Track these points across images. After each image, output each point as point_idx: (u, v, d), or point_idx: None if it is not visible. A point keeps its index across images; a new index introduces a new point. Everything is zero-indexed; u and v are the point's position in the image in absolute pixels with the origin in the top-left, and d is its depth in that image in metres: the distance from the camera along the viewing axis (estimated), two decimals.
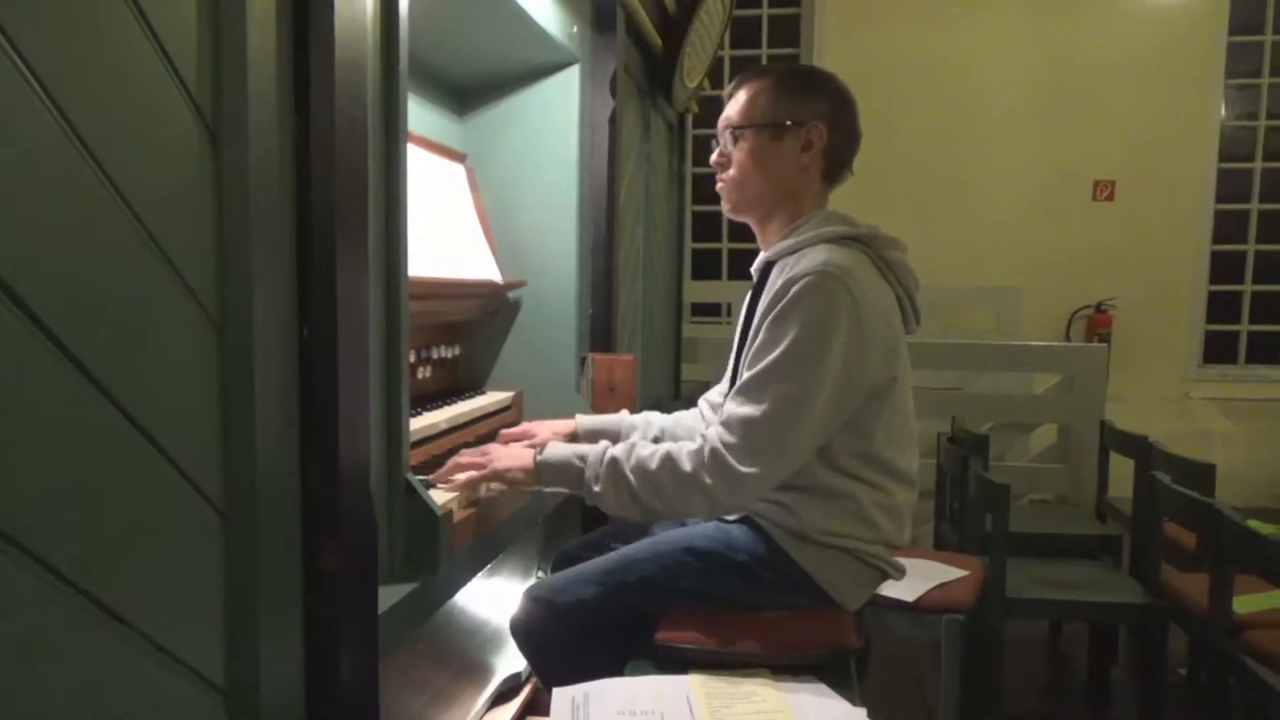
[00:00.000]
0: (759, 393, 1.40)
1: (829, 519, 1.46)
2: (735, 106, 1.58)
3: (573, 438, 1.80)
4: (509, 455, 1.55)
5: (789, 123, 1.53)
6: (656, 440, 1.79)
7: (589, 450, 1.49)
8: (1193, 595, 2.25)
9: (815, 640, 1.46)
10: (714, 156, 1.61)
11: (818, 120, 1.53)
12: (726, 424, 1.42)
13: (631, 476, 1.44)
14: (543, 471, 1.51)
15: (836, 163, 1.57)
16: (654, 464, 1.43)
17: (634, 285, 2.86)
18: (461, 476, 1.53)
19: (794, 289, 1.40)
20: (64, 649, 0.71)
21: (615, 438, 1.78)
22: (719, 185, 1.61)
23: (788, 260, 1.49)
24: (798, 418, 1.38)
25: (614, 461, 1.46)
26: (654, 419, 1.85)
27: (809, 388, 1.38)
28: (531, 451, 1.54)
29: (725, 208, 1.62)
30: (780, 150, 1.54)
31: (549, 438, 1.74)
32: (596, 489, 1.46)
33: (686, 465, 1.41)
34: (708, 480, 1.40)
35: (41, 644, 0.69)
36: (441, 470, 1.56)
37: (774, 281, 1.46)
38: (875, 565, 1.51)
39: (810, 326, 1.38)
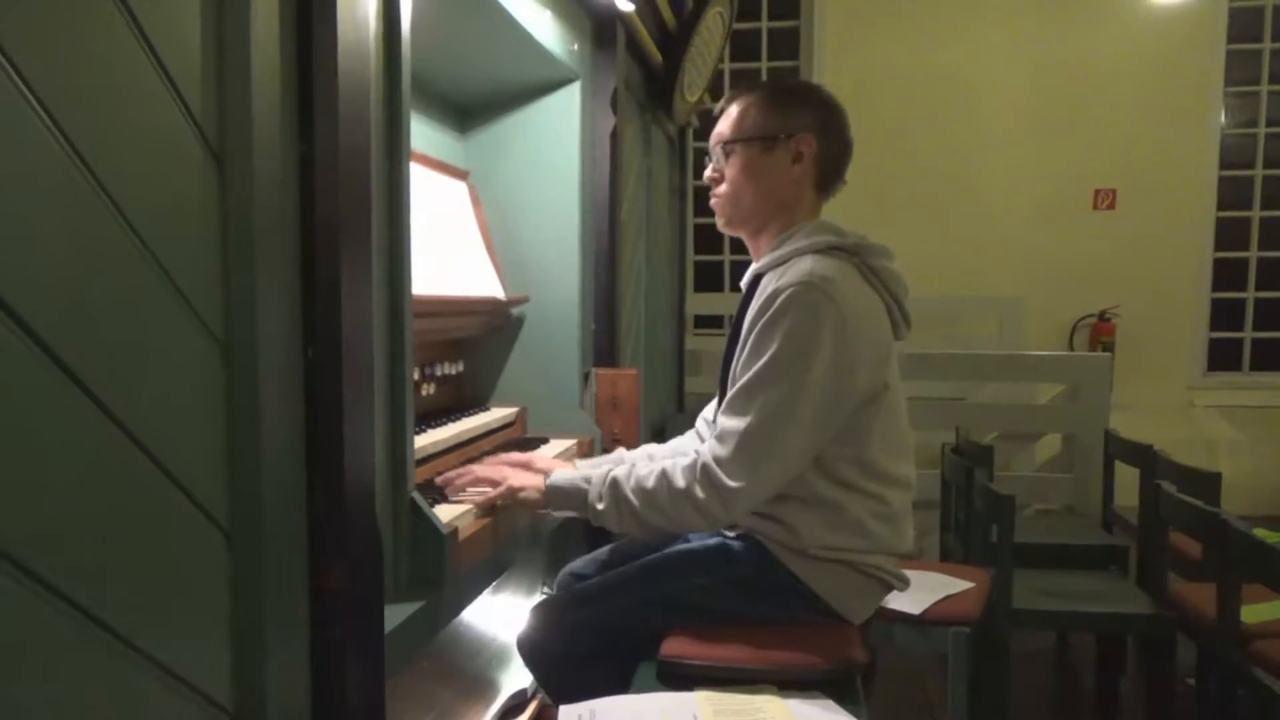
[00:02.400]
0: (746, 404, 1.41)
1: (827, 532, 1.46)
2: (726, 122, 1.59)
3: None
4: (521, 475, 1.57)
5: (779, 135, 1.54)
6: None
7: (593, 473, 1.52)
8: (1200, 605, 2.24)
9: (821, 656, 1.45)
10: (707, 172, 1.62)
11: (807, 131, 1.54)
12: (719, 437, 1.43)
13: (631, 495, 1.45)
14: (551, 495, 1.52)
15: (828, 172, 1.58)
16: (651, 481, 1.45)
17: (636, 299, 2.87)
18: (479, 496, 1.54)
19: (778, 300, 1.41)
20: (69, 671, 0.71)
21: None
22: (713, 201, 1.63)
23: (775, 272, 1.50)
24: (785, 427, 1.39)
25: (615, 482, 1.48)
26: (654, 452, 1.84)
27: (795, 397, 1.38)
28: (542, 475, 1.56)
29: (720, 222, 1.63)
30: (771, 163, 1.55)
31: (549, 465, 1.75)
32: (600, 507, 1.48)
33: (680, 481, 1.42)
34: (700, 494, 1.41)
35: (46, 666, 0.69)
36: (460, 480, 1.57)
37: (761, 293, 1.47)
38: (876, 576, 1.51)
39: (794, 337, 1.39)
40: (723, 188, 1.60)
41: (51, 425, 0.69)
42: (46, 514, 0.68)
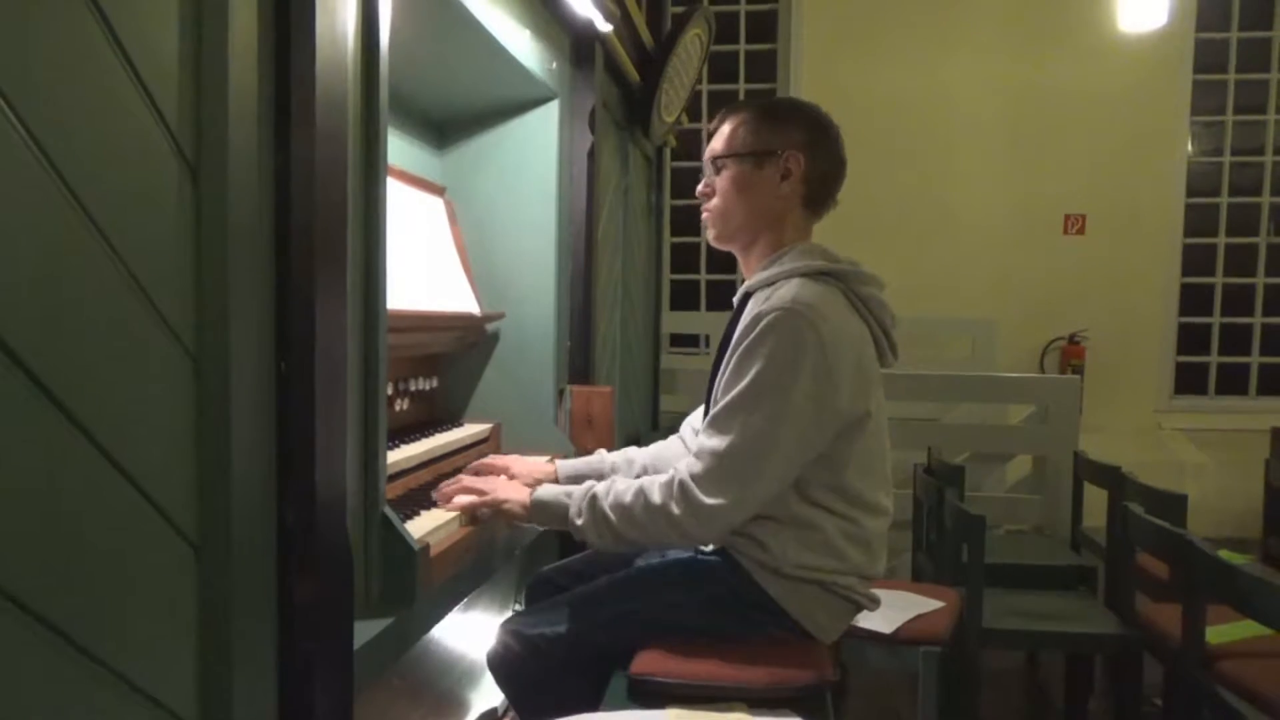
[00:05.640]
0: (726, 424, 1.42)
1: (800, 551, 1.47)
2: (719, 139, 1.62)
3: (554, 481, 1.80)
4: (508, 488, 1.57)
5: (768, 151, 1.56)
6: (639, 476, 1.79)
7: (575, 488, 1.52)
8: (1166, 625, 2.27)
9: (792, 674, 1.46)
10: (700, 187, 1.64)
11: (794, 149, 1.55)
12: (698, 454, 1.44)
13: (609, 511, 1.45)
14: (535, 510, 1.53)
15: (818, 191, 1.59)
16: (628, 497, 1.45)
17: (612, 317, 2.87)
18: (463, 500, 1.55)
19: (762, 323, 1.42)
20: (29, 684, 0.70)
21: (598, 479, 1.78)
22: (704, 215, 1.64)
23: (763, 293, 1.51)
24: (763, 450, 1.40)
25: (594, 497, 1.48)
26: (634, 455, 1.85)
27: (774, 421, 1.39)
28: (528, 489, 1.56)
29: (710, 235, 1.65)
30: (761, 179, 1.56)
31: (527, 472, 1.75)
32: (579, 523, 1.48)
33: (656, 497, 1.43)
34: (676, 511, 1.41)
35: (4, 678, 0.68)
36: (447, 488, 1.57)
37: (748, 313, 1.48)
38: (848, 597, 1.52)
39: (775, 361, 1.40)
40: (713, 202, 1.62)
41: (17, 434, 0.68)
42: (9, 524, 0.68)
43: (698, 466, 1.42)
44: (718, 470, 1.41)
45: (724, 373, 1.47)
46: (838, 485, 1.48)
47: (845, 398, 1.44)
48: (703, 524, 1.41)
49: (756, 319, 1.43)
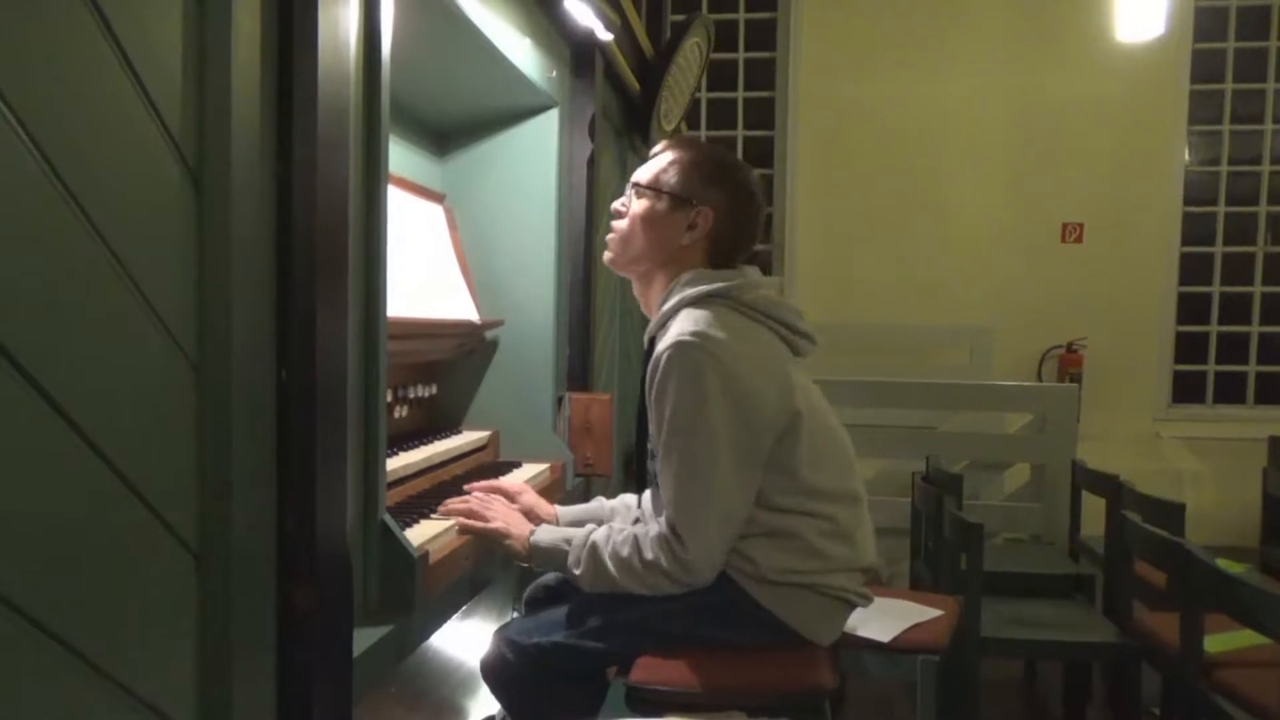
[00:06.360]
0: (665, 472, 1.46)
1: (782, 557, 1.48)
2: (650, 167, 1.62)
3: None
4: (511, 521, 1.58)
5: (683, 199, 1.57)
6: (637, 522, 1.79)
7: (575, 534, 1.53)
8: (1164, 634, 2.27)
9: (790, 681, 1.46)
10: (616, 203, 1.65)
11: (709, 206, 1.56)
12: (663, 504, 1.46)
13: (609, 562, 1.48)
14: (534, 553, 1.54)
15: (722, 250, 1.60)
16: (625, 550, 1.47)
17: (611, 324, 2.88)
18: (468, 524, 1.56)
19: (661, 363, 1.45)
20: (29, 691, 0.70)
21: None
22: (609, 235, 1.65)
23: (660, 334, 1.54)
24: (709, 474, 1.42)
25: (594, 547, 1.50)
26: (631, 502, 1.84)
27: (707, 444, 1.42)
28: (530, 526, 1.58)
29: (606, 257, 1.66)
30: (668, 220, 1.58)
31: (532, 504, 1.74)
32: (577, 572, 1.50)
33: (649, 554, 1.46)
34: (665, 565, 1.44)
35: (5, 685, 0.68)
36: (454, 504, 1.59)
37: (652, 360, 1.50)
38: (838, 596, 1.52)
39: (683, 392, 1.43)
40: (620, 224, 1.63)
41: (20, 442, 0.68)
42: (10, 532, 0.68)
43: (667, 514, 1.45)
44: (681, 513, 1.43)
45: (651, 419, 1.50)
46: (798, 487, 1.50)
47: (767, 408, 1.46)
48: (690, 569, 1.44)
49: (656, 361, 1.46)
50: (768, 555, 1.48)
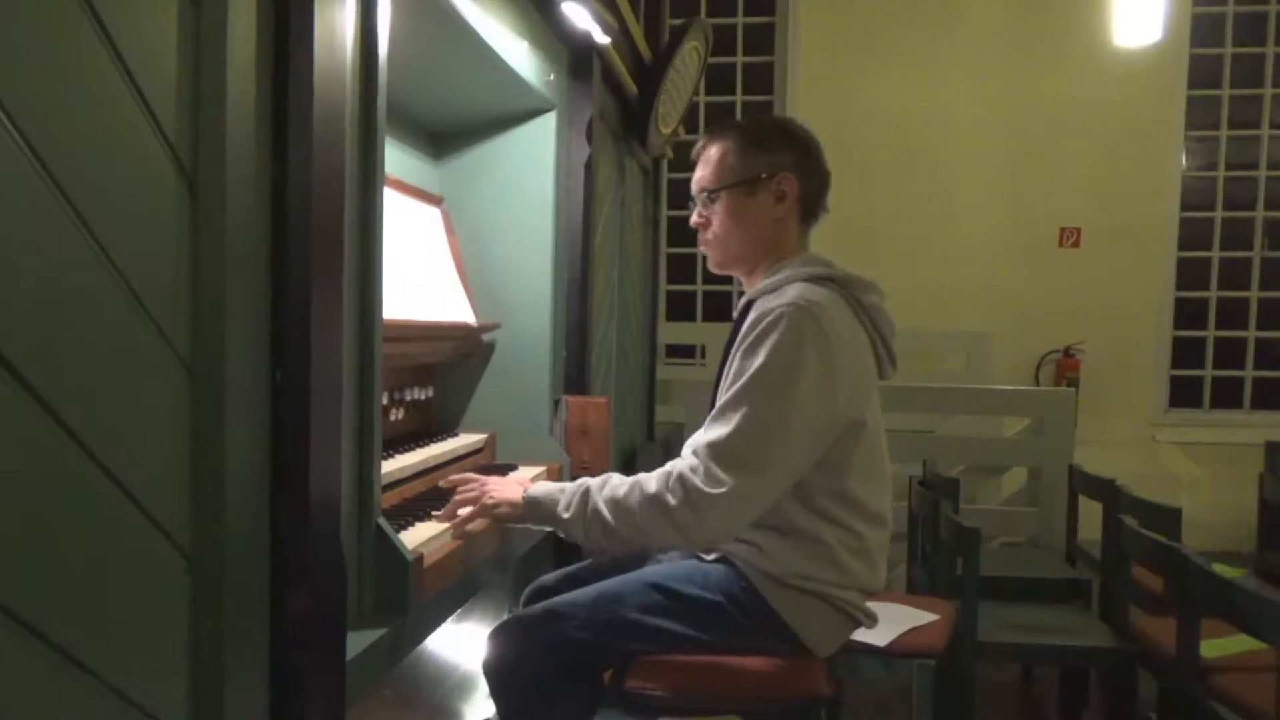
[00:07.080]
0: (730, 415, 1.40)
1: (803, 562, 1.47)
2: (706, 168, 1.62)
3: None
4: (501, 488, 1.55)
5: (759, 177, 1.56)
6: None
7: (569, 484, 1.50)
8: (1161, 639, 2.26)
9: (786, 688, 1.45)
10: (693, 219, 1.64)
11: (787, 170, 1.56)
12: (695, 450, 1.42)
13: (602, 505, 1.43)
14: (528, 507, 1.50)
15: (811, 206, 1.61)
16: (623, 490, 1.43)
17: (608, 327, 2.87)
18: (463, 514, 1.53)
19: (765, 320, 1.43)
20: (18, 692, 0.69)
21: None
22: (702, 246, 1.65)
23: (766, 297, 1.51)
24: (772, 438, 1.38)
25: (586, 491, 1.46)
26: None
27: (783, 410, 1.38)
28: (521, 488, 1.54)
29: (712, 265, 1.66)
30: (755, 205, 1.57)
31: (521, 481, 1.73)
32: (566, 516, 1.45)
33: (651, 486, 1.40)
34: (671, 501, 1.37)
35: (0, 693, 0.68)
36: (448, 508, 1.56)
37: (751, 316, 1.48)
38: (847, 611, 1.51)
39: (778, 354, 1.40)
40: (710, 233, 1.62)
41: (11, 444, 0.68)
42: (2, 533, 0.67)
43: (695, 458, 1.40)
44: (720, 458, 1.37)
45: (727, 374, 1.47)
46: (840, 492, 1.48)
47: (843, 397, 1.44)
48: (700, 516, 1.36)
49: (760, 317, 1.44)
50: (789, 557, 1.46)
